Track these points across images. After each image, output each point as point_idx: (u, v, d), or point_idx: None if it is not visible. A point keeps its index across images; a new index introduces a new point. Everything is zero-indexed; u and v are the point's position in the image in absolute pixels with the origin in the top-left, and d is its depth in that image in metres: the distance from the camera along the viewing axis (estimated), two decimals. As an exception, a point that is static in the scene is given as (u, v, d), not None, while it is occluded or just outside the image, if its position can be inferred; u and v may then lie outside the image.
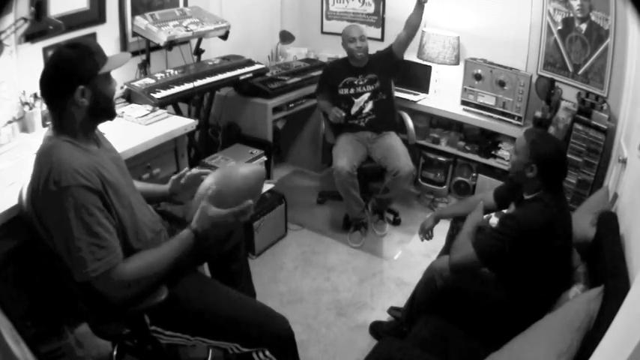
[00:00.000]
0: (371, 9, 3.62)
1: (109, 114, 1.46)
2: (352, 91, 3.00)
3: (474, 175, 3.33)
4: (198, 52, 2.93)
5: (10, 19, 1.88)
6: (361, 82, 3.00)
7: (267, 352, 1.50)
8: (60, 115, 1.36)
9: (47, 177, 1.27)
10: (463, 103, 3.26)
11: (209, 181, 1.57)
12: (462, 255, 1.74)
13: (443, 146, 3.40)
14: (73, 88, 1.32)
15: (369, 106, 3.01)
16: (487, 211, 2.11)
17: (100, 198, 1.32)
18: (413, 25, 2.86)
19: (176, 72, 2.68)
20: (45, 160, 1.31)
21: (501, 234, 1.68)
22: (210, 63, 2.91)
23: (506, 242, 1.65)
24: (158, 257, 1.42)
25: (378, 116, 3.01)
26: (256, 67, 3.03)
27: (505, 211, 1.97)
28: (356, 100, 3.01)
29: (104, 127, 1.54)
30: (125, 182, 1.49)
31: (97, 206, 1.30)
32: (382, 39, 3.59)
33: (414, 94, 3.41)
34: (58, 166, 1.27)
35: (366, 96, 3.00)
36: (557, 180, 1.73)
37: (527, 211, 1.69)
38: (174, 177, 1.73)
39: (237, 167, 1.58)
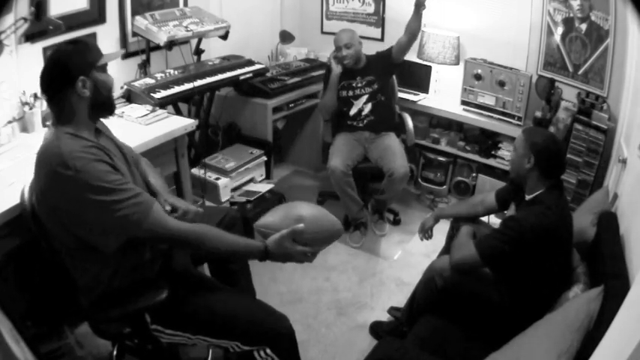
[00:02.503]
0: (371, 9, 3.62)
1: (109, 106, 1.47)
2: (351, 93, 2.99)
3: (473, 175, 3.33)
4: (198, 52, 2.93)
5: (10, 19, 1.87)
6: (359, 85, 2.98)
7: (268, 351, 1.50)
8: (62, 109, 1.37)
9: (61, 165, 1.27)
10: (463, 103, 3.26)
11: (301, 211, 1.56)
12: (464, 254, 1.76)
13: (443, 146, 3.40)
14: (74, 80, 1.33)
15: (368, 107, 2.99)
16: (488, 212, 2.12)
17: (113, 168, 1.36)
18: (412, 30, 2.83)
19: (176, 72, 2.68)
20: (53, 151, 1.30)
21: (503, 235, 1.70)
22: (210, 63, 2.91)
23: (507, 243, 1.67)
24: (217, 235, 1.45)
25: (377, 117, 3.00)
26: (256, 67, 3.03)
27: (507, 212, 1.98)
28: (355, 102, 3.00)
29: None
30: (129, 172, 1.51)
31: (114, 171, 1.34)
32: (382, 39, 3.59)
33: (414, 94, 3.41)
34: (69, 153, 1.28)
35: (364, 98, 2.98)
36: (554, 171, 1.74)
37: (528, 214, 1.70)
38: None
39: (328, 217, 1.63)
